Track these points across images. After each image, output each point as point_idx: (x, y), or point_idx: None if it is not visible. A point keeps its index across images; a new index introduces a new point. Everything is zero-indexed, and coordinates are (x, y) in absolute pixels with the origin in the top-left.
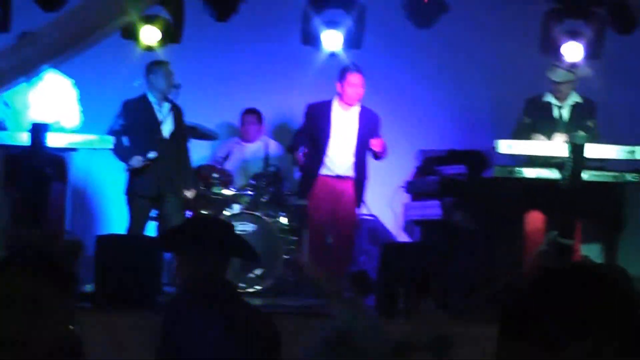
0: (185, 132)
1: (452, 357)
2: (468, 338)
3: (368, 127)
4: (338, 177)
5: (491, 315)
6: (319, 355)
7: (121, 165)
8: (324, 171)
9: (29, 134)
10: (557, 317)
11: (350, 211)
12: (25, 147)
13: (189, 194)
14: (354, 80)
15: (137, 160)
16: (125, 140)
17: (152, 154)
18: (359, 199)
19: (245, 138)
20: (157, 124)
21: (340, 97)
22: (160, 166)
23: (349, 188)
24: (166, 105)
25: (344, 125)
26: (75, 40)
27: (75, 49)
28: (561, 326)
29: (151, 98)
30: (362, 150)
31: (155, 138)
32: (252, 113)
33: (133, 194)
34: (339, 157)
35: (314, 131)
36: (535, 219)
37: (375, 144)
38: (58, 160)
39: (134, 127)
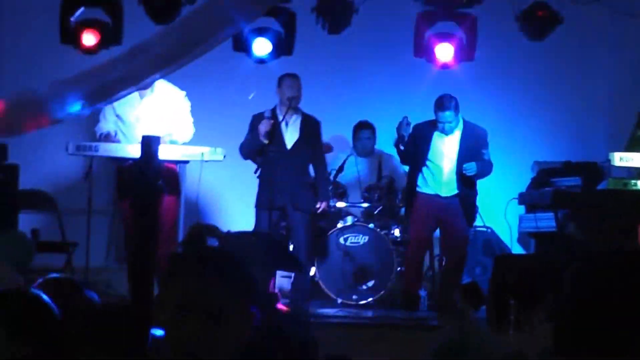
0: (313, 144)
1: None
2: None
3: (471, 142)
4: (439, 195)
5: None
6: None
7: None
8: (424, 189)
9: (140, 146)
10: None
11: (458, 226)
12: (137, 160)
13: (322, 206)
14: (442, 105)
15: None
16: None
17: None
18: (468, 213)
19: (359, 151)
20: (280, 135)
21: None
22: (282, 178)
23: (454, 203)
24: (294, 117)
25: (444, 144)
26: (185, 50)
27: (185, 59)
28: None
29: (278, 110)
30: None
31: (278, 149)
32: (366, 127)
33: (259, 205)
34: (438, 176)
35: (416, 149)
36: None
37: (468, 169)
38: (170, 172)
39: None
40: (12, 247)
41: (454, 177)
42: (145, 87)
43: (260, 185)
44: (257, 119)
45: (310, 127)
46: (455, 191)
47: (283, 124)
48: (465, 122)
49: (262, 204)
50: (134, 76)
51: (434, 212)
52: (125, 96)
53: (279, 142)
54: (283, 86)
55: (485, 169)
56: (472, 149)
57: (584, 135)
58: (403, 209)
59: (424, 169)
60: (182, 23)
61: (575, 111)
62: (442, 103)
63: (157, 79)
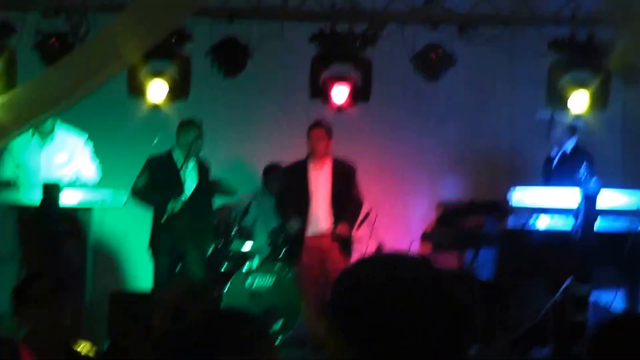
0: (209, 188)
1: None
2: None
3: (342, 180)
4: (321, 235)
5: None
6: None
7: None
8: (308, 232)
9: (42, 193)
10: None
11: (339, 266)
12: (36, 207)
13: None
14: (315, 135)
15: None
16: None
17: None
18: (346, 251)
19: (271, 192)
20: (179, 180)
21: (310, 154)
22: (181, 222)
23: (333, 244)
24: (191, 162)
25: (318, 182)
26: (73, 87)
27: (74, 97)
28: None
29: (175, 154)
30: (339, 204)
31: (177, 194)
32: (278, 168)
33: (155, 250)
34: (319, 216)
35: (293, 192)
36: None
37: (342, 229)
38: (72, 218)
39: (156, 182)
40: None
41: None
42: (38, 126)
43: (154, 230)
44: (152, 161)
45: (203, 171)
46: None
47: (182, 170)
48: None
49: (160, 250)
50: (25, 117)
51: (319, 256)
52: (19, 136)
53: (178, 189)
54: (180, 132)
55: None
56: (344, 184)
57: (487, 174)
58: None
59: (306, 210)
60: (69, 60)
61: (477, 149)
62: None
63: (50, 120)
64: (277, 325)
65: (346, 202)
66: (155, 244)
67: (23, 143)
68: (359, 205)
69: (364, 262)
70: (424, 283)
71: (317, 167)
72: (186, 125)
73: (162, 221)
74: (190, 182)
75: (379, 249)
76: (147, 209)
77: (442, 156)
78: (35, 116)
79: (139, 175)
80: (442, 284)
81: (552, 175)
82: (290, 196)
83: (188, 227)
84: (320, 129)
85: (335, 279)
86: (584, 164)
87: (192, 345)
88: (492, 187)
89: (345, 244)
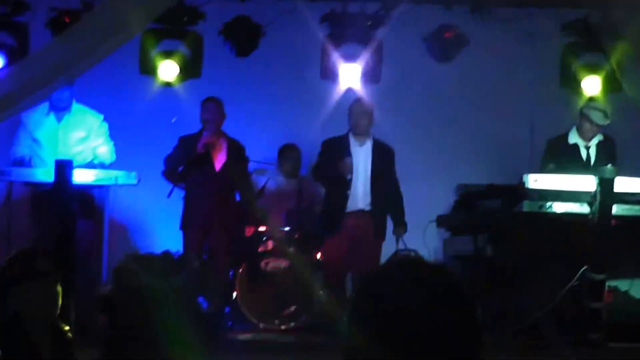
0: (240, 166)
1: None
2: None
3: (382, 160)
4: (356, 211)
5: (522, 349)
6: None
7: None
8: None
9: (54, 170)
10: None
11: (371, 246)
12: (51, 184)
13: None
14: (358, 110)
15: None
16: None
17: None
18: (379, 232)
19: (286, 172)
20: (209, 157)
21: (351, 129)
22: (210, 199)
23: (367, 222)
24: (220, 139)
25: (359, 158)
26: (79, 56)
27: (81, 66)
28: None
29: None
30: (378, 184)
31: (206, 171)
32: (294, 149)
33: (186, 226)
34: (359, 192)
35: (332, 166)
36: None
37: (400, 230)
38: (85, 196)
39: (187, 158)
40: None
41: (369, 192)
42: (46, 97)
43: (186, 206)
44: (183, 140)
45: (236, 150)
46: (369, 207)
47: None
48: (374, 139)
49: (189, 225)
50: (31, 87)
51: (349, 232)
52: (28, 107)
53: (208, 164)
54: (207, 110)
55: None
56: (384, 165)
57: (507, 157)
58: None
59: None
60: (75, 29)
61: (496, 133)
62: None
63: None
64: (291, 309)
65: (386, 183)
66: (184, 220)
67: (39, 119)
68: (398, 190)
69: (389, 266)
70: (445, 288)
71: (358, 143)
72: (209, 101)
73: (190, 197)
74: (218, 158)
75: (396, 254)
76: (178, 187)
77: (458, 139)
78: (43, 84)
79: (171, 154)
80: (462, 291)
81: (583, 167)
82: (331, 168)
83: (214, 204)
84: (363, 105)
85: (361, 282)
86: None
87: None
88: (512, 171)
89: (380, 227)
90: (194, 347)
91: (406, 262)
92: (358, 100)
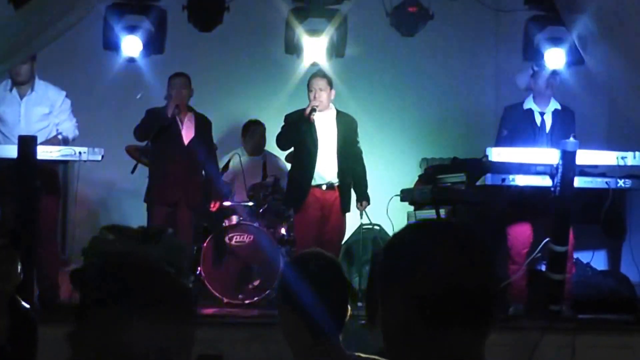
0: (206, 142)
1: None
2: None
3: (346, 129)
4: (323, 185)
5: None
6: None
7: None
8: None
9: (17, 147)
10: None
11: (338, 219)
12: (14, 160)
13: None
14: (318, 84)
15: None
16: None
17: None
18: (345, 205)
19: (249, 148)
20: (177, 131)
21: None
22: (176, 174)
23: (334, 196)
24: (188, 115)
25: (322, 129)
26: (38, 31)
27: (39, 42)
28: None
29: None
30: (344, 154)
31: (175, 145)
32: (258, 124)
33: (151, 201)
34: (325, 166)
35: (298, 140)
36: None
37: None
38: (50, 172)
39: (158, 133)
40: None
41: (335, 166)
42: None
43: (151, 180)
44: (151, 112)
45: (203, 125)
46: (337, 181)
47: (178, 121)
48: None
49: (155, 199)
50: None
51: (319, 207)
52: None
53: (176, 139)
54: (174, 85)
55: None
56: (349, 135)
57: (472, 131)
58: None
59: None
60: (35, 2)
61: (461, 107)
62: None
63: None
64: (255, 284)
65: (351, 153)
66: (149, 193)
67: (1, 96)
68: (362, 161)
69: (412, 228)
70: (475, 247)
71: (320, 116)
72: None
73: (156, 171)
74: (186, 133)
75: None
76: (142, 164)
77: (423, 113)
78: (3, 58)
79: (141, 124)
80: (487, 247)
81: (536, 133)
82: (295, 142)
83: (181, 179)
84: (322, 78)
85: (384, 245)
86: (568, 122)
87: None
88: (477, 145)
89: (347, 200)
90: (170, 317)
91: (430, 224)
92: (317, 74)
